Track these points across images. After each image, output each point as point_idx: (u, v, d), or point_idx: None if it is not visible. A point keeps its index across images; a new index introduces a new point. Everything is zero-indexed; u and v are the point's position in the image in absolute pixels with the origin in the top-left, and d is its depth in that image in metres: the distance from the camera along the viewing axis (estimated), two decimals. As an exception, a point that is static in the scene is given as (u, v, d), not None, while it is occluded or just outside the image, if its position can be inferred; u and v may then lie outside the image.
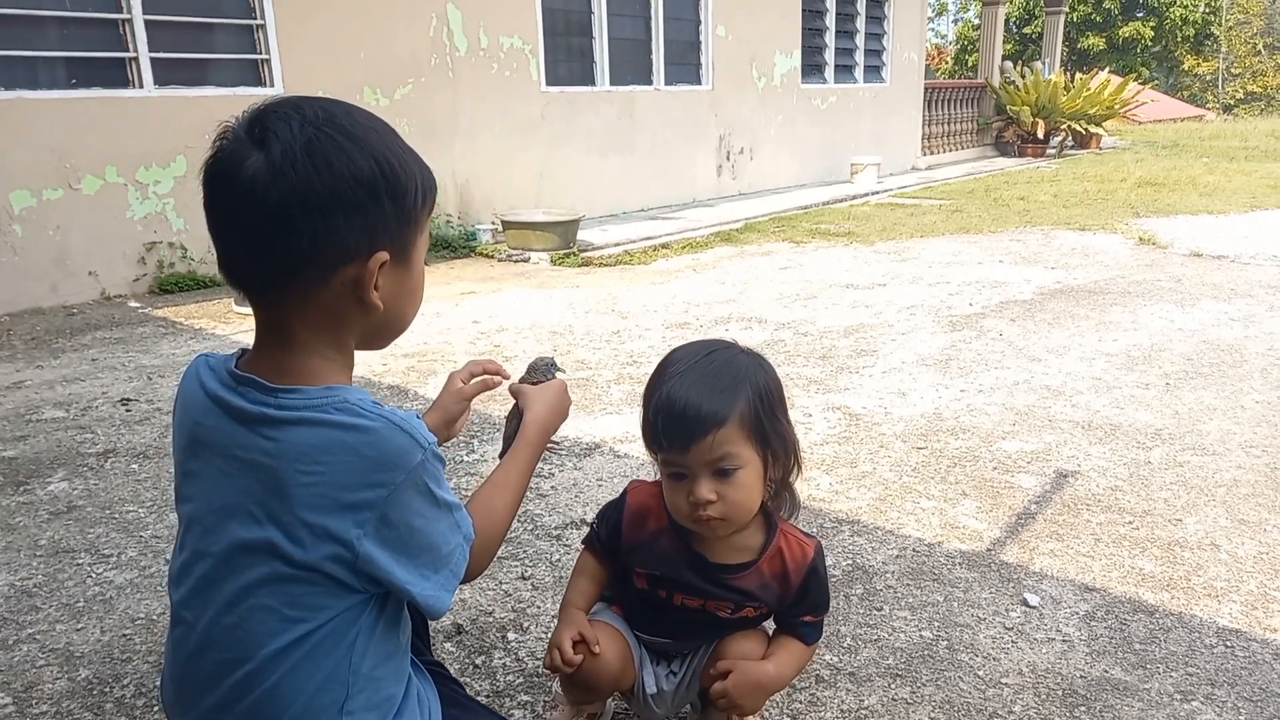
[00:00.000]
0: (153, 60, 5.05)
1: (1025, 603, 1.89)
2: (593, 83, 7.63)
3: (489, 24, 6.71)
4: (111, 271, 5.05)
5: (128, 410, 3.22)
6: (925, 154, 12.33)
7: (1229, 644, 1.73)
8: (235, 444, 0.89)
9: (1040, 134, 13.04)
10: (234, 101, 5.26)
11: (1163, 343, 3.71)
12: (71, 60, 4.83)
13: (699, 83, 8.60)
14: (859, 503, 2.38)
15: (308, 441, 0.86)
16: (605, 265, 5.90)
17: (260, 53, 5.53)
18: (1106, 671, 1.65)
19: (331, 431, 0.86)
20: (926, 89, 12.11)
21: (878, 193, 9.33)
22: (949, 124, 13.00)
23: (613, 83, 7.74)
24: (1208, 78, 25.74)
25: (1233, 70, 25.98)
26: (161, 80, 5.10)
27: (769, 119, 9.42)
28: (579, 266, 5.86)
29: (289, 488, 0.86)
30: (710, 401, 1.12)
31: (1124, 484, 2.43)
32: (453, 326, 4.32)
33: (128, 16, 4.93)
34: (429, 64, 6.38)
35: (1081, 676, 1.64)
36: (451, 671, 1.35)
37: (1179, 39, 21.86)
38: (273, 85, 5.58)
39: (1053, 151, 13.57)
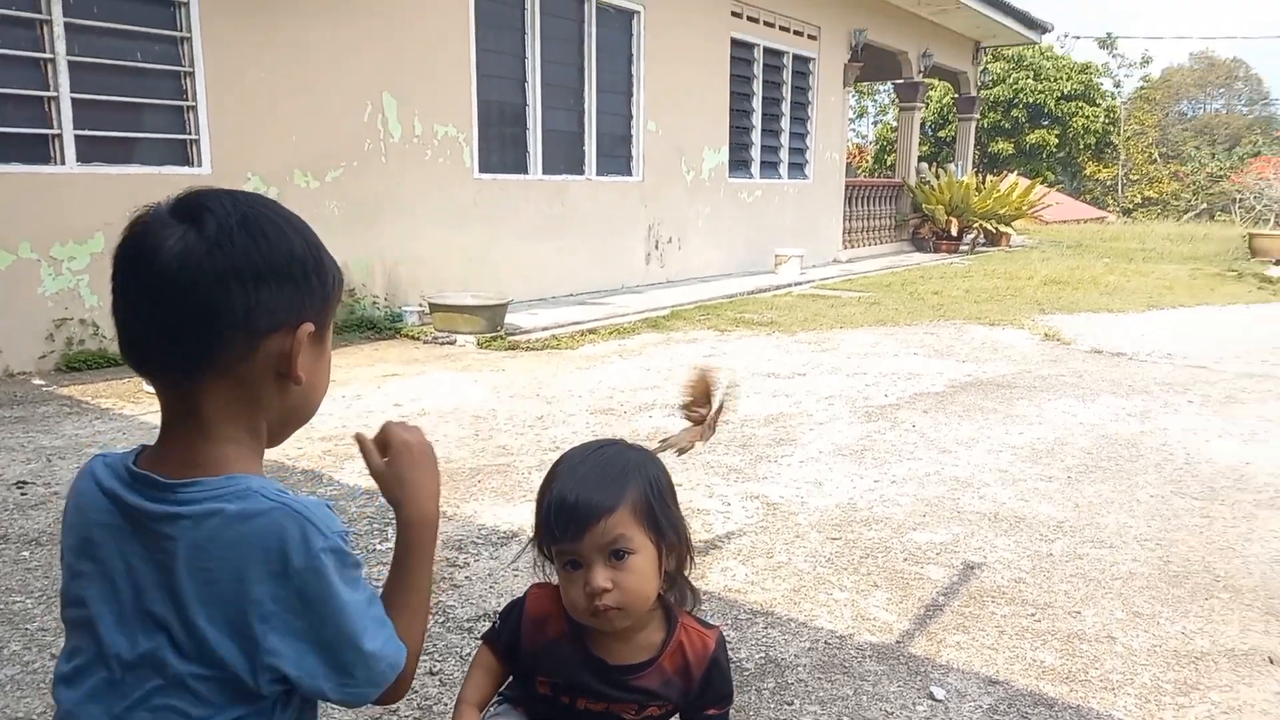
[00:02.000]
0: (77, 137, 4.99)
1: (932, 696, 1.92)
2: (525, 171, 7.78)
3: (424, 112, 6.82)
4: (17, 348, 4.88)
5: (22, 494, 3.08)
6: (846, 247, 12.79)
7: (1123, 736, 1.78)
8: (130, 544, 0.87)
9: (954, 232, 13.68)
10: (159, 180, 5.23)
11: (1065, 436, 3.88)
12: (-10, 134, 4.75)
13: (630, 174, 8.84)
14: (774, 594, 2.41)
15: (205, 535, 0.84)
16: (532, 349, 5.93)
17: (189, 133, 5.51)
18: (1007, 765, 1.68)
19: (229, 523, 0.84)
20: (847, 186, 12.65)
21: (800, 284, 9.62)
22: (869, 220, 13.55)
23: (545, 172, 7.90)
24: (1108, 183, 27.48)
25: (1131, 176, 27.79)
26: (85, 157, 5.04)
27: (697, 210, 9.70)
28: (506, 350, 5.88)
29: (187, 587, 0.84)
30: (602, 490, 1.16)
31: (1027, 576, 2.51)
32: (373, 409, 4.27)
33: (54, 94, 4.88)
34: (362, 149, 6.43)
35: (983, 771, 1.67)
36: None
37: (1081, 146, 23.35)
38: (200, 165, 5.55)
39: (965, 248, 14.21)
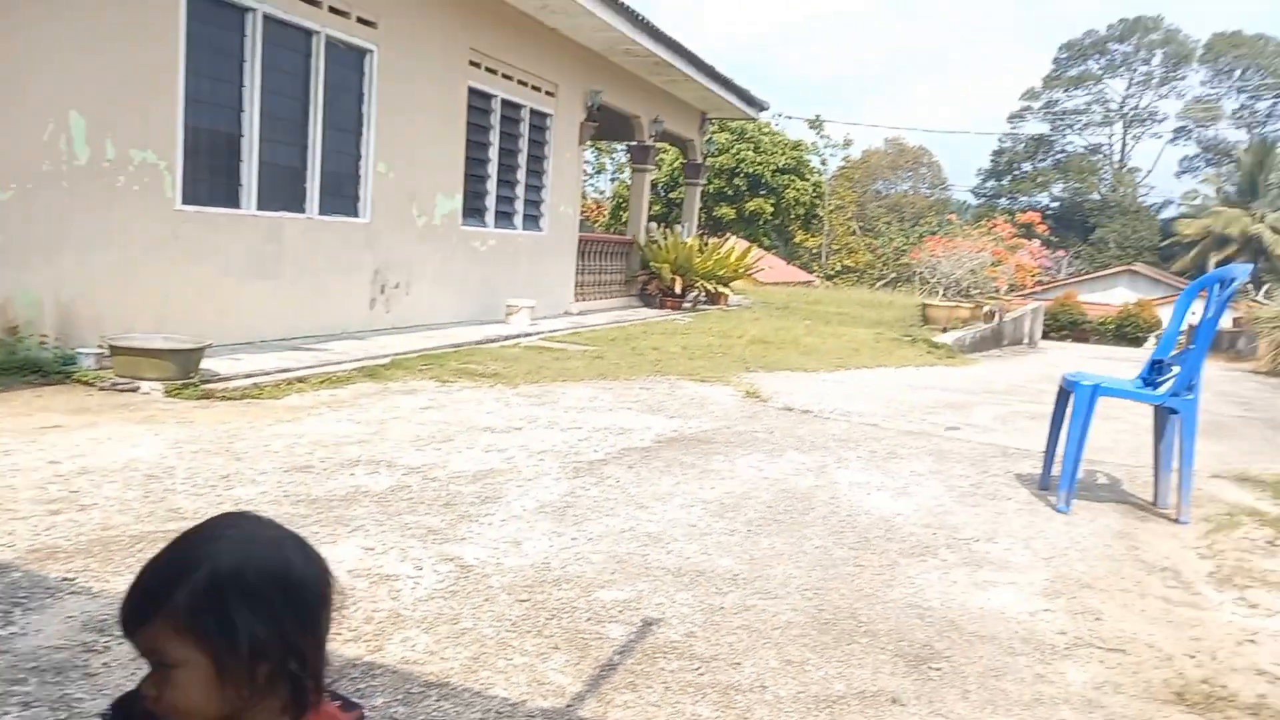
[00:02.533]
0: None
1: (594, 759, 1.98)
2: (238, 205, 7.27)
3: (119, 135, 6.20)
4: None
5: None
6: (578, 300, 13.13)
7: (761, 783, 1.92)
8: None
9: (678, 289, 14.49)
10: None
11: (751, 490, 4.19)
12: None
13: (356, 215, 8.55)
14: (453, 663, 2.37)
15: None
16: (229, 399, 5.51)
17: None
18: (654, 824, 1.76)
19: None
20: (581, 240, 13.03)
21: (530, 335, 9.74)
22: (601, 274, 14.03)
23: (261, 207, 7.43)
24: (814, 250, 30.51)
25: (833, 246, 31.03)
26: None
27: (428, 256, 9.55)
28: (198, 400, 5.41)
29: None
30: (149, 589, 1.00)
31: (699, 630, 2.66)
32: (22, 467, 3.75)
33: None
34: (38, 170, 5.72)
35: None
36: None
37: (793, 216, 25.76)
38: None
39: (688, 305, 15.09)
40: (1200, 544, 3.78)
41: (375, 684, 2.24)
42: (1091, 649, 2.70)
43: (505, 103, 10.53)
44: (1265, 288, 27.02)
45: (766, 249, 26.44)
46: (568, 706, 2.19)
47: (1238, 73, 63.26)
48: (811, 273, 33.35)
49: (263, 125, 7.35)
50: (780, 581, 3.08)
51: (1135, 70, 65.46)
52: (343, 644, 2.43)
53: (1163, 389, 4.13)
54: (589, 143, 12.80)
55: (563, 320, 11.60)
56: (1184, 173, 66.87)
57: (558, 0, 9.76)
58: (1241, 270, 4.00)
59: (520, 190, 11.11)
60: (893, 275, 29.00)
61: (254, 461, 4.14)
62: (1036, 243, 18.40)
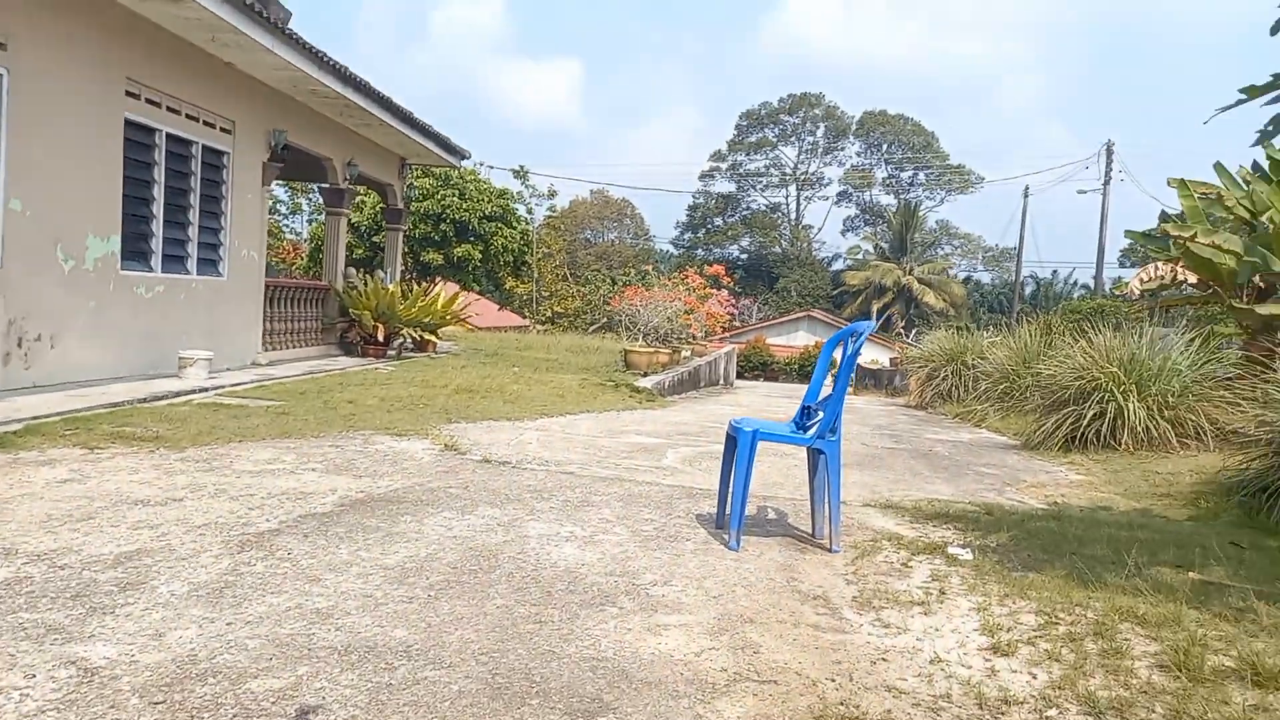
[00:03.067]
0: None
1: None
2: None
3: None
4: None
5: None
6: (268, 349, 12.26)
7: None
8: None
9: (381, 337, 14.00)
10: None
11: (437, 552, 4.06)
12: None
13: (-18, 258, 7.39)
14: (58, 791, 2.04)
15: None
16: None
17: None
18: None
19: None
20: (269, 287, 12.20)
21: (207, 390, 8.90)
22: (294, 321, 13.21)
23: None
24: (525, 297, 30.92)
25: (544, 293, 31.63)
26: None
27: (78, 304, 8.46)
28: None
29: None
30: None
31: (361, 712, 2.50)
32: None
33: None
34: None
35: None
36: None
37: (502, 263, 25.91)
38: None
39: (393, 353, 14.63)
40: (848, 570, 4.20)
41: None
42: (748, 683, 2.87)
43: (172, 138, 9.66)
44: (914, 331, 31.29)
45: (482, 293, 26.45)
46: (198, 824, 1.95)
47: (884, 146, 73.31)
48: (525, 317, 33.80)
49: None
50: (456, 649, 2.99)
51: (804, 139, 73.79)
52: (-92, 787, 2.01)
53: (810, 432, 4.57)
54: (276, 183, 12.07)
55: (249, 373, 10.74)
56: (848, 230, 76.14)
57: (229, 33, 9.15)
58: (866, 325, 4.55)
59: (194, 232, 10.20)
60: (603, 320, 30.10)
61: None
62: (724, 292, 19.91)
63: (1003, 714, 2.74)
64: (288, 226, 32.93)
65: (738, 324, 59.92)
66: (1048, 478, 7.53)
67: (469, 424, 8.14)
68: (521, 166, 28.98)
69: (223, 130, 10.61)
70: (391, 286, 14.71)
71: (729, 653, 3.11)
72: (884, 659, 3.14)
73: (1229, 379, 9.25)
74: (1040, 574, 4.24)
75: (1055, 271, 65.60)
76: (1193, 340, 9.30)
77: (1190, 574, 4.35)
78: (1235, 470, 6.25)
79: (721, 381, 22.96)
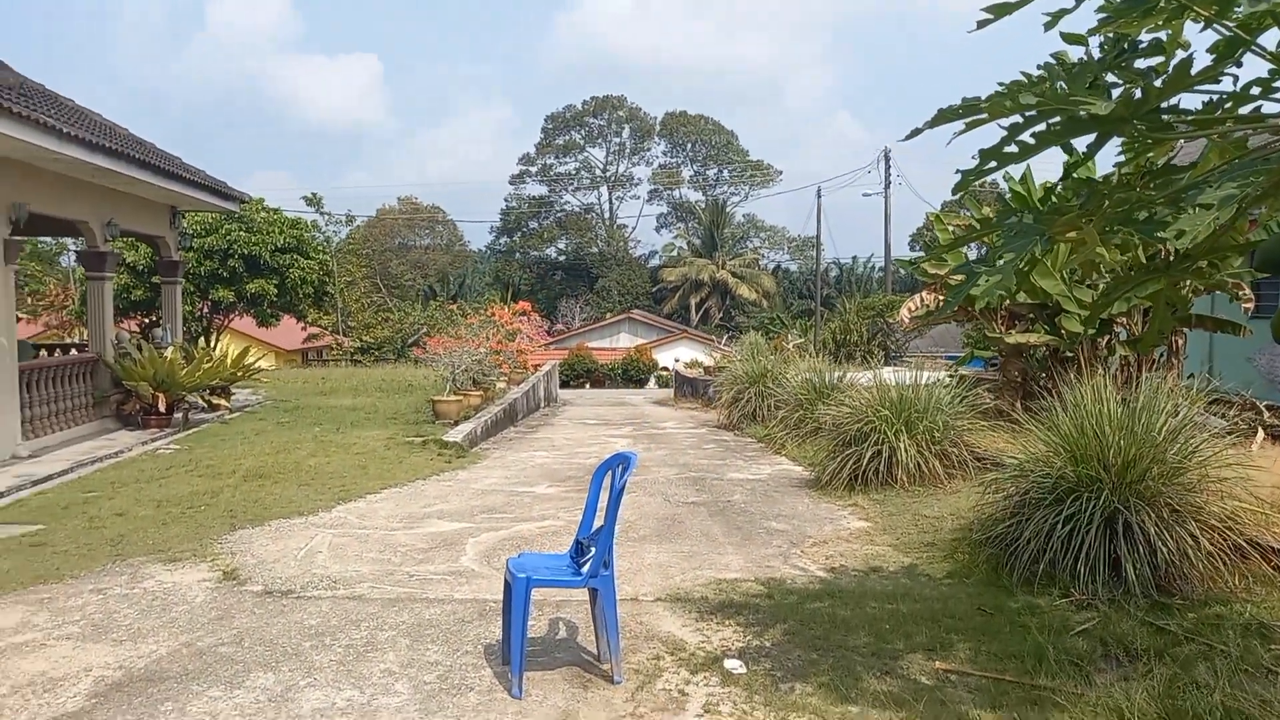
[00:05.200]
0: None
1: None
2: None
3: None
4: None
5: None
6: (28, 438, 11.18)
7: None
8: None
9: (162, 407, 13.07)
10: None
11: (196, 758, 3.84)
12: None
13: None
14: None
15: None
16: None
17: None
18: None
19: None
20: (24, 370, 11.12)
21: (-50, 514, 8.02)
22: (59, 401, 12.11)
23: None
24: (329, 329, 29.69)
25: (350, 324, 30.47)
26: None
27: None
28: None
29: None
30: None
31: None
32: None
33: None
34: None
35: None
36: None
37: (301, 295, 24.73)
38: None
39: (179, 418, 13.69)
40: (626, 710, 4.32)
41: None
42: None
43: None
44: (727, 336, 32.45)
45: (301, 320, 25.26)
46: None
47: (688, 145, 75.48)
48: (335, 333, 32.31)
49: None
50: None
51: (611, 141, 74.83)
52: None
53: (585, 568, 4.66)
54: (16, 262, 10.98)
55: (7, 472, 9.76)
56: (661, 227, 77.98)
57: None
58: (632, 457, 4.69)
59: (-73, 328, 9.14)
60: (415, 340, 29.35)
61: None
62: (533, 323, 19.93)
63: None
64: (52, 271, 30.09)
65: (560, 328, 60.21)
66: (831, 529, 8.02)
67: (255, 529, 7.75)
68: (314, 194, 27.72)
69: (-48, 211, 9.55)
70: (170, 351, 13.73)
71: None
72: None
73: (986, 406, 10.19)
74: (806, 684, 4.54)
75: (855, 257, 69.80)
76: (950, 375, 10.15)
77: (937, 663, 4.78)
78: (982, 525, 6.89)
79: (543, 403, 23.00)
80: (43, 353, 14.53)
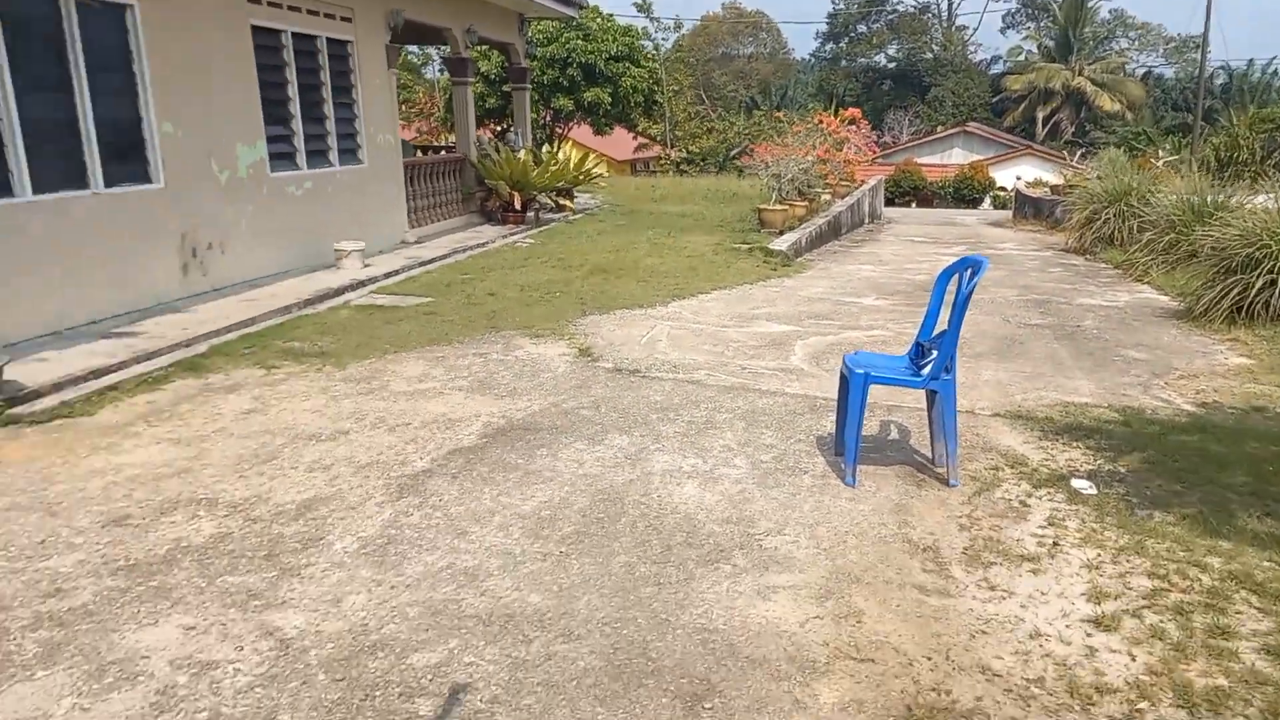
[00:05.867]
0: None
1: None
2: (11, 194, 6.72)
3: None
4: None
5: None
6: (414, 226, 12.83)
7: None
8: None
9: (518, 205, 14.33)
10: None
11: (569, 496, 4.43)
12: None
13: (150, 181, 8.02)
14: (269, 775, 2.54)
15: None
16: (38, 423, 5.29)
17: None
18: None
19: None
20: (408, 166, 12.63)
21: (362, 284, 9.53)
22: (435, 196, 13.69)
23: (37, 191, 6.89)
24: (658, 137, 30.35)
25: (676, 133, 30.94)
26: None
27: (239, 211, 9.11)
28: (4, 428, 5.18)
29: None
30: None
31: (502, 692, 2.91)
32: None
33: None
34: None
35: None
36: None
37: (633, 104, 25.39)
38: None
39: (531, 216, 14.96)
40: (963, 511, 4.30)
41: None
42: (847, 661, 3.12)
43: (297, 36, 9.91)
44: (1080, 153, 28.93)
45: (617, 123, 26.31)
46: (376, 814, 2.41)
47: (1053, -73, 64.98)
48: (664, 145, 33.09)
49: (22, 104, 6.72)
50: (584, 617, 3.36)
51: (960, -74, 66.14)
52: (160, 767, 2.56)
53: (925, 371, 4.56)
54: (397, 66, 12.21)
55: (399, 256, 11.34)
56: (1007, 28, 69.34)
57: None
58: (984, 261, 4.39)
59: (331, 125, 10.61)
60: (739, 150, 29.32)
61: (70, 516, 4.08)
62: (862, 133, 18.95)
63: (1092, 704, 2.88)
64: (423, 78, 33.17)
65: (887, 141, 56.92)
66: (1204, 363, 7.16)
67: (602, 315, 8.43)
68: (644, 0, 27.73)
69: (343, 20, 10.75)
70: (522, 154, 14.86)
71: (832, 623, 3.35)
72: (984, 631, 3.30)
73: None
74: (1166, 514, 4.22)
75: (1252, 61, 57.92)
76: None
77: (1332, 513, 4.22)
78: None
79: (867, 219, 22.25)
80: (418, 153, 16.35)
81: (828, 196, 17.66)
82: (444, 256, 11.52)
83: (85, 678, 2.95)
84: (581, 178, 16.10)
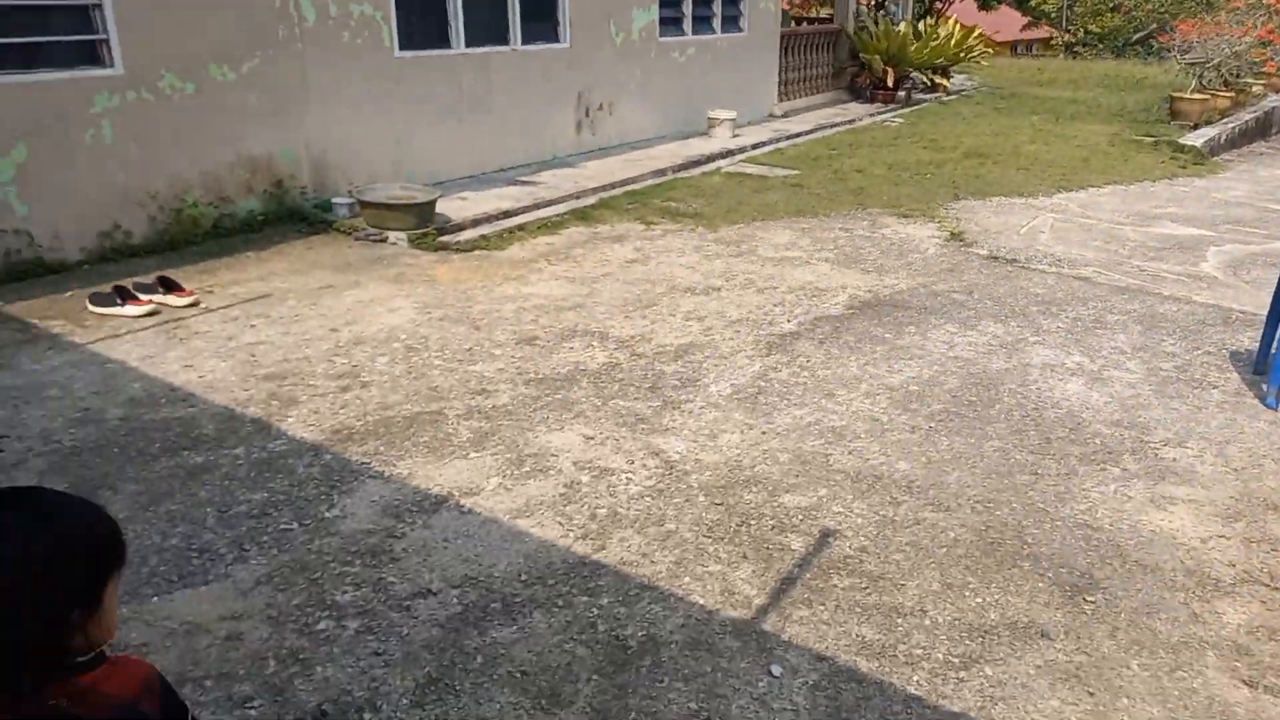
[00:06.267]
0: (-21, 48, 4.86)
1: (770, 673, 2.44)
2: (448, 45, 7.62)
3: (339, -9, 6.61)
4: (-52, 267, 4.96)
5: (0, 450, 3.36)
6: (783, 100, 12.75)
7: (910, 711, 2.33)
8: None
9: (890, 82, 13.66)
10: (73, 85, 5.16)
11: (938, 375, 4.34)
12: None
13: (557, 40, 8.67)
14: (659, 566, 2.88)
15: None
16: (462, 251, 6.13)
17: (98, 32, 5.35)
18: (817, 742, 2.22)
19: None
20: (784, 37, 12.45)
21: (731, 153, 9.73)
22: (805, 69, 13.43)
23: (469, 44, 7.74)
24: (1053, 15, 26.98)
25: (1076, 9, 27.27)
26: (-10, 67, 4.94)
27: (628, 74, 9.60)
28: (435, 252, 6.07)
29: None
30: None
31: (870, 544, 3.02)
32: (311, 337, 4.53)
33: (-51, 3, 4.71)
34: (276, 36, 6.27)
35: (798, 749, 2.20)
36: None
37: (1030, -26, 22.84)
38: (112, 65, 5.44)
39: (902, 97, 14.22)
40: None
41: (600, 584, 2.79)
42: (1257, 586, 2.83)
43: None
44: None
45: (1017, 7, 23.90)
46: (753, 618, 2.65)
47: None
48: (1058, 26, 29.52)
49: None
50: (954, 491, 3.34)
51: None
52: (574, 541, 3.00)
53: None
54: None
55: (766, 129, 11.38)
56: None
57: None
58: None
59: (720, -10, 10.68)
60: (1146, 33, 25.43)
61: (489, 331, 4.74)
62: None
63: None
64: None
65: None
66: None
67: (977, 201, 7.94)
68: None
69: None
70: (902, 27, 14.03)
71: (1241, 545, 3.03)
72: None
73: None
74: None
75: None
76: None
77: None
78: None
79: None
80: (793, 23, 16.02)
81: (1260, 89, 14.85)
82: (810, 131, 11.38)
83: (507, 464, 3.48)
84: (963, 55, 14.91)
